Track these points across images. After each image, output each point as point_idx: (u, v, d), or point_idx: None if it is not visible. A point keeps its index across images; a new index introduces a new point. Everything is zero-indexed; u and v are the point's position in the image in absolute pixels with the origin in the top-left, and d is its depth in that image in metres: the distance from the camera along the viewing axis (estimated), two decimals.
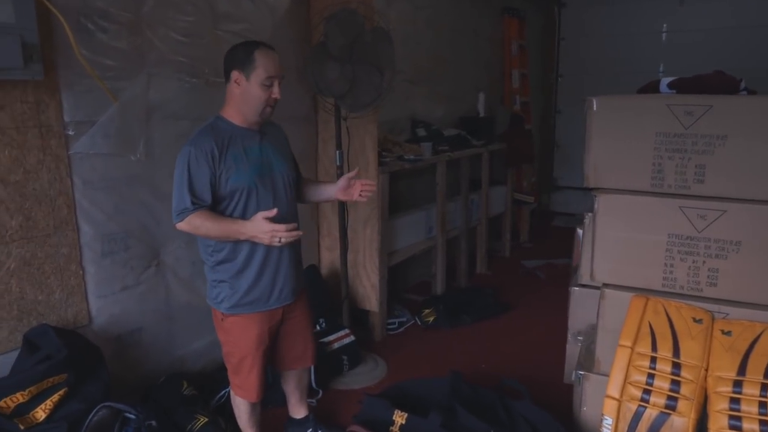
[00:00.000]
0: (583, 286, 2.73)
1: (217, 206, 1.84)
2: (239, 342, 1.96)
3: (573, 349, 2.78)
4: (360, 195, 2.09)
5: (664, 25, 5.80)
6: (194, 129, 2.46)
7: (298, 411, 2.32)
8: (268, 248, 1.88)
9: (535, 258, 4.90)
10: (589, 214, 2.63)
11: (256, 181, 1.87)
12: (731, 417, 1.74)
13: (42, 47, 1.88)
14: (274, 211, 1.74)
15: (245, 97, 1.84)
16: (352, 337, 2.89)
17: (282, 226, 1.74)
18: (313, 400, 2.63)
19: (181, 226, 1.81)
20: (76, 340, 2.02)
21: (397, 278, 3.92)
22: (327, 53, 2.50)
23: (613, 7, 5.97)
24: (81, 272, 2.17)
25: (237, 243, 1.85)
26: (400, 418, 2.07)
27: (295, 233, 1.77)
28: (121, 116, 2.21)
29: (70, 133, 2.08)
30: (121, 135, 2.23)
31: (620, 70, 6.01)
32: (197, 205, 1.79)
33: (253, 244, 1.86)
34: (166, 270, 2.50)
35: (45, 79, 1.93)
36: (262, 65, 1.81)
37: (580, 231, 4.19)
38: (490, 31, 5.12)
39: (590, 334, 2.57)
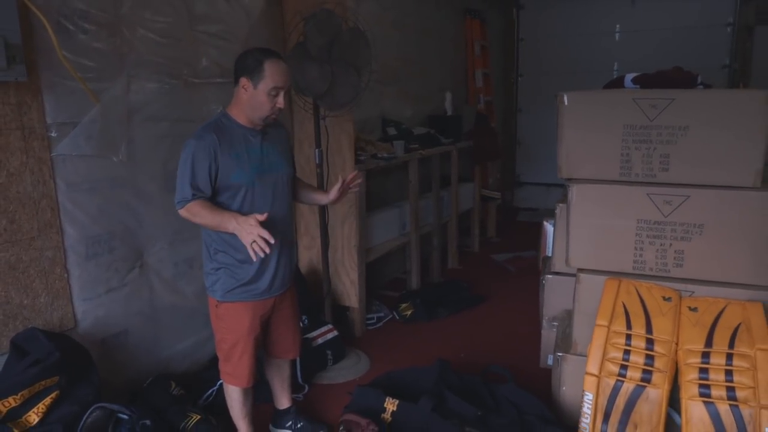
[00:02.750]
0: (556, 273, 2.86)
1: (216, 198, 1.91)
2: (232, 328, 2.01)
3: (548, 335, 2.90)
4: (350, 189, 2.18)
5: (617, 26, 6.07)
6: (174, 130, 2.51)
7: (280, 401, 2.37)
8: None
9: (504, 252, 5.05)
10: (561, 205, 2.77)
11: (255, 179, 1.94)
12: (701, 385, 1.88)
13: (23, 48, 1.86)
14: (265, 216, 1.77)
15: (251, 103, 1.90)
16: (336, 333, 2.94)
17: (266, 234, 1.73)
18: (300, 395, 2.66)
19: (182, 212, 1.89)
20: (66, 342, 2.01)
21: (373, 275, 3.98)
22: (307, 53, 2.55)
23: (569, 9, 6.21)
24: (66, 275, 2.15)
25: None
26: (391, 405, 2.14)
27: (265, 246, 1.74)
28: (103, 118, 2.21)
29: (53, 134, 2.06)
30: (104, 137, 2.22)
31: (577, 69, 6.26)
32: (196, 195, 1.86)
33: None
34: (150, 271, 2.49)
35: (27, 81, 1.92)
36: (270, 75, 1.86)
37: (546, 223, 4.37)
38: (453, 32, 5.25)
39: (565, 319, 2.71)
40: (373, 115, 4.11)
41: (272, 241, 1.74)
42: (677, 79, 2.30)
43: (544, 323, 2.91)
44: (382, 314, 3.57)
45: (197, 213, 1.85)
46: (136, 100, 2.36)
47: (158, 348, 2.56)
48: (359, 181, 2.19)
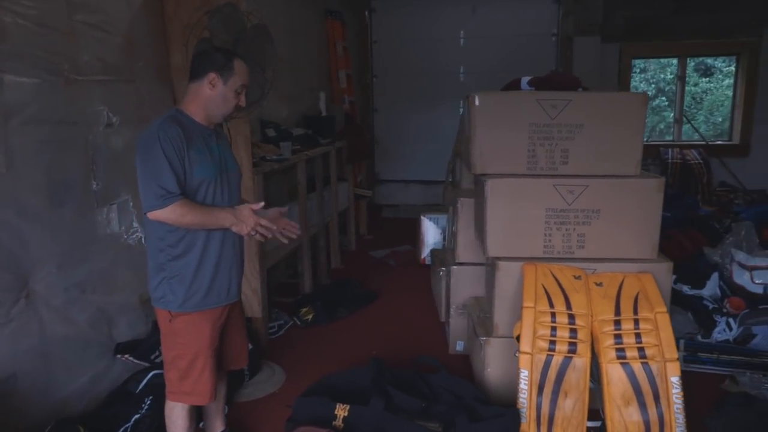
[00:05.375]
0: (461, 264, 3.04)
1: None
2: (190, 342, 1.88)
3: (456, 322, 3.07)
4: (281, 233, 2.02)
5: (461, 32, 6.58)
6: (58, 135, 2.18)
7: (213, 424, 2.21)
8: (223, 244, 1.88)
9: (380, 248, 5.19)
10: (462, 199, 2.95)
11: (217, 176, 1.86)
12: (617, 350, 2.16)
13: None
14: (261, 204, 1.86)
15: (216, 100, 1.86)
16: (250, 346, 2.78)
17: (266, 222, 1.85)
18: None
19: (161, 213, 1.73)
20: None
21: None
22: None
23: (418, 14, 6.57)
24: None
25: (194, 237, 1.82)
26: (342, 410, 2.10)
27: (267, 233, 1.87)
28: None
29: None
30: None
31: (428, 71, 6.67)
32: (180, 190, 1.74)
33: (207, 239, 1.84)
34: (38, 301, 2.12)
35: None
36: (239, 73, 1.87)
37: (424, 218, 4.60)
38: (317, 32, 5.24)
39: (475, 305, 2.89)
40: (251, 117, 3.94)
41: (274, 228, 1.87)
42: (563, 82, 2.60)
43: (452, 311, 3.07)
44: (282, 321, 3.46)
45: (188, 211, 1.74)
46: (12, 100, 1.99)
47: (53, 389, 2.18)
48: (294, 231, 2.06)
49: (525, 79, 2.61)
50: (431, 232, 4.63)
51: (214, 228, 1.83)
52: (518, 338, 2.31)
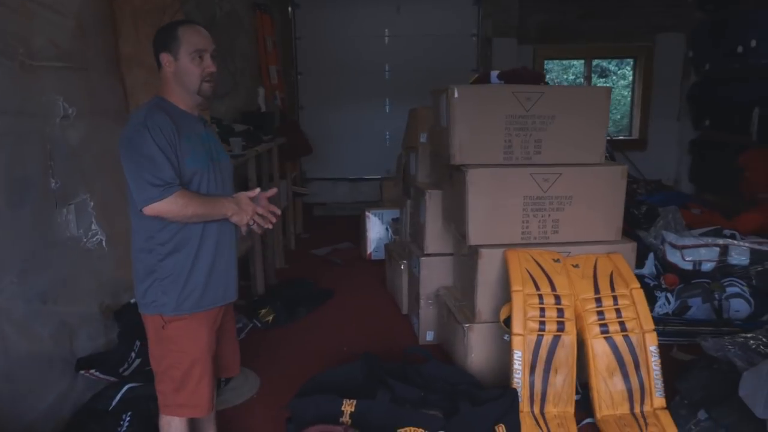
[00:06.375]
0: (429, 255, 3.08)
1: None
2: (186, 348, 1.73)
3: (426, 313, 3.12)
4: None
5: (386, 30, 6.64)
6: (15, 127, 1.95)
7: None
8: (218, 237, 1.75)
9: (320, 246, 5.11)
10: (430, 191, 3.00)
11: (210, 166, 1.73)
12: (600, 325, 2.31)
13: None
14: (257, 191, 1.77)
15: (179, 77, 1.69)
16: None
17: (262, 210, 1.75)
18: None
19: (160, 206, 1.58)
20: None
21: None
22: None
23: (342, 11, 6.54)
24: None
25: (189, 232, 1.68)
26: (349, 406, 2.06)
27: (268, 222, 1.78)
28: None
29: None
30: None
31: (353, 69, 6.66)
32: (178, 180, 1.62)
33: (203, 233, 1.71)
34: (0, 315, 1.87)
35: None
36: (187, 39, 1.68)
37: (369, 214, 4.62)
38: (248, 25, 5.05)
39: (447, 294, 2.95)
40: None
41: (278, 212, 1.80)
42: (529, 76, 2.72)
43: (422, 303, 3.11)
44: (241, 324, 3.30)
45: (189, 200, 1.61)
46: None
47: (18, 414, 1.94)
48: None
49: (494, 73, 2.71)
50: (376, 228, 4.65)
51: (215, 219, 1.71)
52: (505, 322, 2.39)
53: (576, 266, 2.47)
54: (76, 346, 2.28)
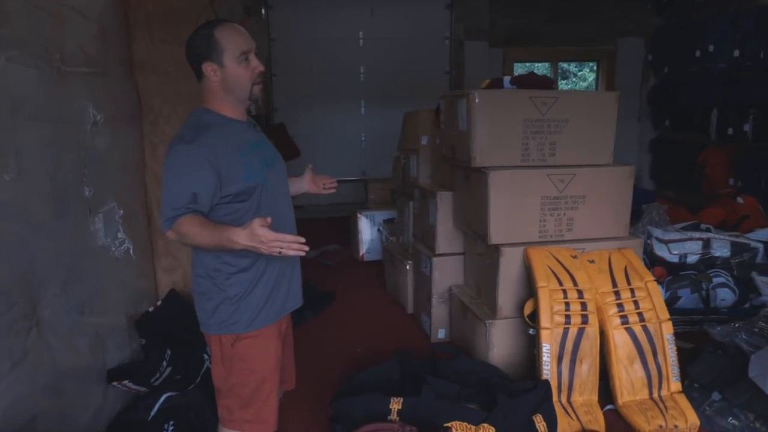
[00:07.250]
0: (440, 255, 3.17)
1: (224, 209, 1.60)
2: (256, 365, 1.69)
3: (439, 311, 3.20)
4: (324, 188, 2.06)
5: (360, 33, 6.69)
6: (58, 135, 1.91)
7: None
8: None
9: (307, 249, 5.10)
10: (441, 193, 3.09)
11: (267, 175, 1.67)
12: (620, 317, 2.45)
13: None
14: (269, 220, 1.46)
15: (229, 85, 1.61)
16: None
17: (290, 237, 1.48)
18: None
19: (169, 234, 1.58)
20: None
21: None
22: None
23: (316, 14, 6.54)
24: None
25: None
26: (396, 404, 2.11)
27: (300, 246, 1.50)
28: None
29: None
30: None
31: (328, 71, 6.68)
32: (190, 208, 1.52)
33: None
34: (46, 328, 1.82)
35: None
36: (229, 42, 1.58)
37: (360, 216, 4.66)
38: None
39: (461, 292, 3.04)
40: None
41: (303, 240, 1.51)
42: (540, 81, 2.85)
43: (434, 301, 3.19)
44: None
45: (187, 233, 1.51)
46: (18, 93, 1.69)
47: (64, 430, 1.89)
48: (334, 183, 2.08)
49: (507, 78, 2.82)
50: (367, 229, 4.70)
51: (227, 248, 1.52)
52: (530, 317, 2.51)
53: (592, 261, 2.61)
54: (107, 358, 2.24)
